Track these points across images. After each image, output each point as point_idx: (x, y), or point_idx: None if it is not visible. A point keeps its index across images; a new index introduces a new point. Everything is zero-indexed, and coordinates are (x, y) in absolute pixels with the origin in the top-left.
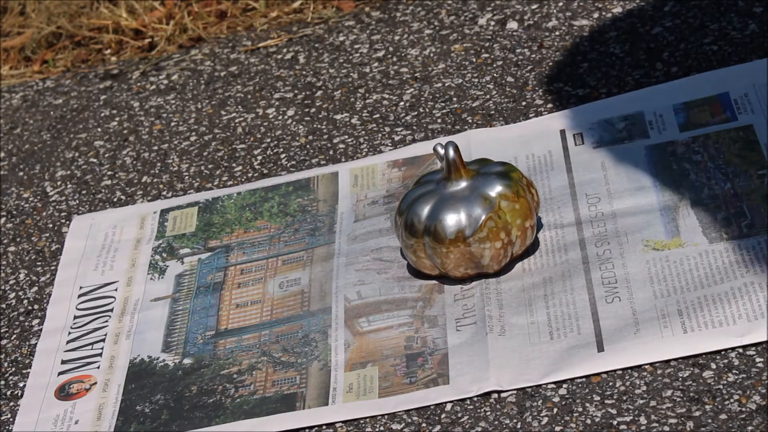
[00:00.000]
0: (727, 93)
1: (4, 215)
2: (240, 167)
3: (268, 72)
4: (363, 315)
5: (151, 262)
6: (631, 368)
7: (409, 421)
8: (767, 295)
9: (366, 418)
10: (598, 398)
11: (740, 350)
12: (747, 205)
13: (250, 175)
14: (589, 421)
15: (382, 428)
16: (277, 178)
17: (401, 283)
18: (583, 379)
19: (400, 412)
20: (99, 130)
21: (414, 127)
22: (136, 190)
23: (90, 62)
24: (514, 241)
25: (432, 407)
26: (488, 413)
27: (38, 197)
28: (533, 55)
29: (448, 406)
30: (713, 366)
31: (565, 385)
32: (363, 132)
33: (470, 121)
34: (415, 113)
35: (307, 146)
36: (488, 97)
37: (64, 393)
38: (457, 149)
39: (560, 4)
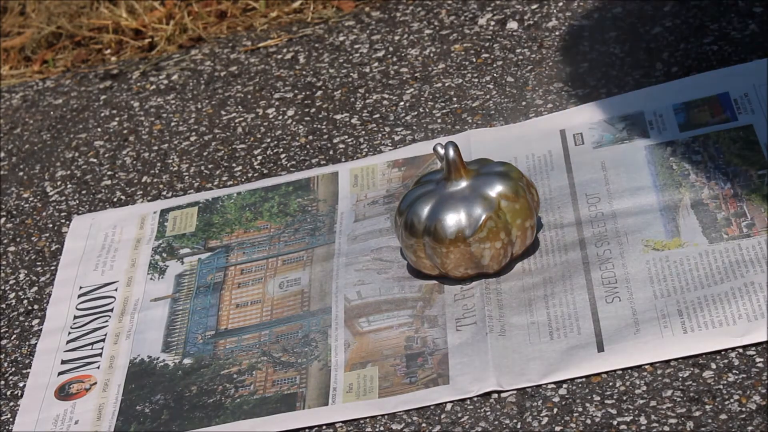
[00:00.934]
0: (727, 93)
1: (4, 215)
2: (240, 167)
3: (268, 72)
4: (363, 315)
5: (151, 262)
6: (631, 368)
7: (409, 421)
8: (767, 295)
9: (366, 418)
10: (598, 398)
11: (740, 350)
12: (747, 205)
13: (250, 175)
14: (589, 421)
15: (382, 428)
16: (277, 178)
17: (401, 283)
18: (583, 379)
19: (400, 412)
20: (99, 130)
21: (414, 127)
22: (136, 190)
23: (90, 62)
24: (514, 241)
25: (432, 407)
26: (488, 413)
27: (38, 197)
28: (533, 55)
29: (448, 406)
30: (713, 366)
31: (565, 385)
32: (363, 132)
33: (470, 121)
34: (415, 113)
35: (307, 146)
36: (488, 97)
37: (64, 393)
38: (457, 149)
39: (560, 4)
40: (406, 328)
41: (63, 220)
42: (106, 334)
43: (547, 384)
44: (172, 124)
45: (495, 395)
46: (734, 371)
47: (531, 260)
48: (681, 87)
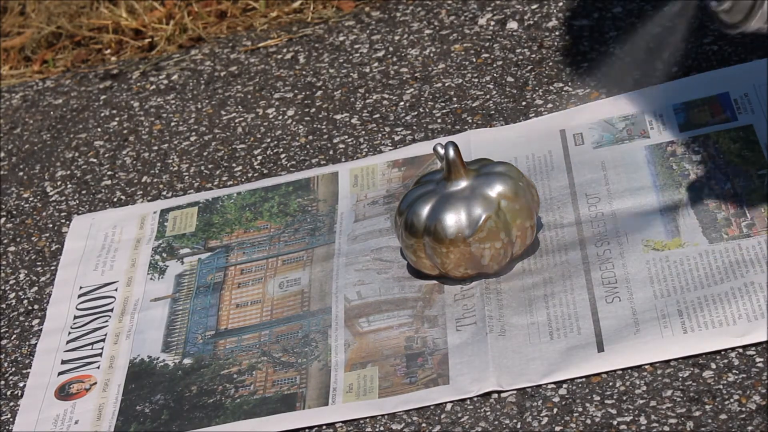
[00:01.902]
0: (727, 93)
1: (4, 215)
2: (240, 167)
3: (268, 72)
4: (363, 315)
5: (151, 262)
6: (631, 368)
7: (409, 421)
8: (767, 295)
9: (366, 418)
10: (598, 398)
11: (740, 350)
12: (747, 205)
13: (250, 175)
14: (589, 421)
15: (382, 428)
16: (277, 178)
17: (401, 283)
18: (583, 379)
19: (400, 412)
20: (99, 130)
21: (414, 127)
22: (136, 190)
23: (90, 62)
24: (514, 241)
25: (432, 407)
26: (488, 413)
27: (38, 197)
28: (533, 55)
29: (448, 406)
30: (713, 366)
31: (565, 385)
32: (363, 132)
33: (470, 121)
34: (415, 113)
35: (307, 146)
36: (488, 97)
37: (64, 393)
38: (457, 149)
39: (560, 4)
40: (406, 328)
41: (63, 220)
42: (106, 334)
43: (547, 384)
44: (172, 124)
45: (495, 395)
46: (734, 371)
47: (531, 260)
48: (681, 87)
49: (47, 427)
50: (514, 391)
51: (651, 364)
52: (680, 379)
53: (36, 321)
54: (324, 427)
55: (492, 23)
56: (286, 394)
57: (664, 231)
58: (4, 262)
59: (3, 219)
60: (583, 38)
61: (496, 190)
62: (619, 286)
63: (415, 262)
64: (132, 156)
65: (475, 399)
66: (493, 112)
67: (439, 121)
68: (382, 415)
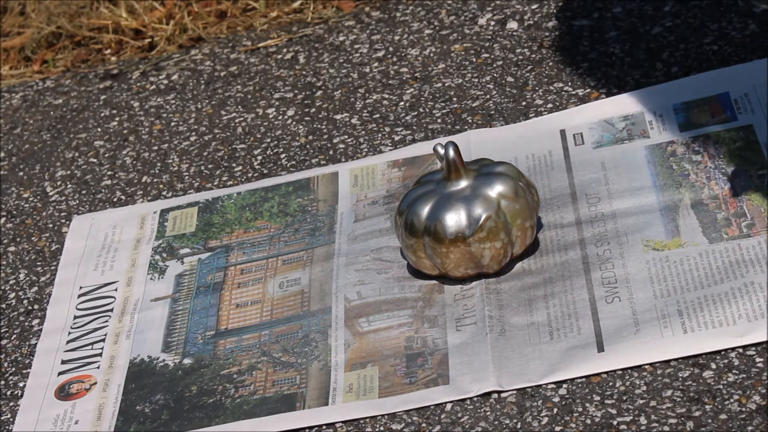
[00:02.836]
0: (727, 93)
1: (4, 215)
2: (240, 167)
3: (268, 72)
4: (363, 315)
5: (151, 262)
6: (631, 368)
7: (409, 421)
8: (767, 295)
9: (366, 418)
10: (598, 398)
11: (740, 350)
12: (747, 205)
13: (250, 175)
14: (589, 421)
15: (382, 428)
16: (277, 178)
17: (401, 283)
18: (583, 379)
19: (400, 412)
20: (99, 130)
21: (414, 127)
22: (136, 190)
23: (90, 62)
24: (514, 241)
25: (432, 407)
26: (488, 413)
27: (38, 197)
28: (533, 55)
29: (448, 406)
30: (713, 366)
31: (565, 385)
32: (363, 132)
33: (470, 121)
34: (415, 113)
35: (307, 146)
36: (488, 97)
37: (64, 393)
38: (457, 149)
39: (560, 4)
40: (406, 328)
41: (63, 220)
42: (106, 334)
43: (547, 384)
44: (172, 124)
45: (495, 395)
46: (734, 371)
47: (531, 260)
48: (681, 87)
49: (47, 427)
50: (514, 391)
51: (651, 364)
52: (680, 379)
53: (36, 321)
54: (324, 427)
55: (492, 23)
56: (286, 394)
57: (664, 231)
58: (4, 262)
59: (3, 219)
60: (583, 38)
61: (496, 190)
62: (619, 286)
63: (415, 262)
64: (132, 156)
65: (475, 399)
66: (493, 112)
67: (439, 121)
68: (382, 415)
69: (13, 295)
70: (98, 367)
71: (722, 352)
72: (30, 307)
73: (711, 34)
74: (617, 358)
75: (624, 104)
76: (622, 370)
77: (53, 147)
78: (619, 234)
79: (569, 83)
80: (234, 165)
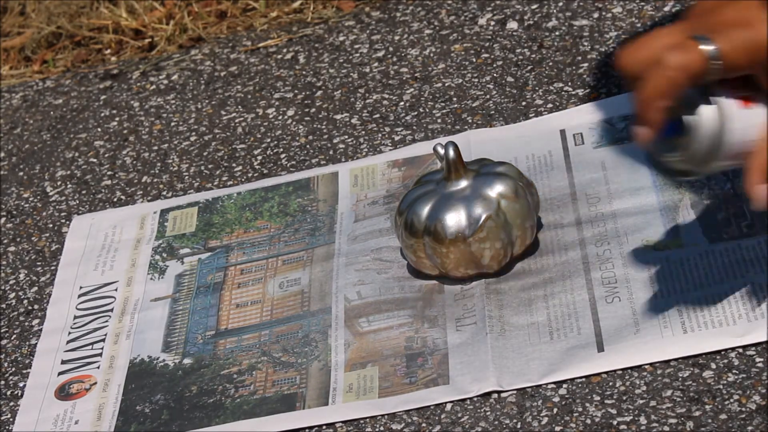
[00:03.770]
0: None
1: (4, 215)
2: (240, 167)
3: (268, 72)
4: (363, 315)
5: (151, 262)
6: (631, 368)
7: (409, 421)
8: (767, 295)
9: (366, 418)
10: (598, 398)
11: (740, 350)
12: (747, 205)
13: (250, 175)
14: (589, 421)
15: (382, 428)
16: (277, 178)
17: (401, 283)
18: (583, 379)
19: (400, 412)
20: (99, 130)
21: (414, 127)
22: (136, 190)
23: (90, 62)
24: (514, 241)
25: (432, 407)
26: (488, 413)
27: (38, 197)
28: (533, 55)
29: (448, 406)
30: (713, 366)
31: (565, 385)
32: (363, 132)
33: (470, 121)
34: (415, 113)
35: (307, 146)
36: (488, 97)
37: (64, 393)
38: (457, 149)
39: (560, 4)
40: (406, 328)
41: (63, 220)
42: (106, 334)
43: (547, 384)
44: (172, 124)
45: (495, 395)
46: (734, 371)
47: (531, 260)
48: None
49: (47, 427)
50: (514, 391)
51: (651, 364)
52: (680, 379)
53: (36, 321)
54: (324, 427)
55: (492, 23)
56: (286, 394)
57: (664, 231)
58: (4, 262)
59: (3, 219)
60: (583, 38)
61: (496, 190)
62: (619, 286)
63: (415, 262)
64: (132, 156)
65: (475, 399)
66: (493, 112)
67: (439, 121)
68: (382, 415)
69: (13, 295)
70: (98, 367)
71: (722, 352)
72: (30, 307)
73: None
74: (617, 358)
75: (624, 104)
76: (622, 370)
77: (53, 147)
78: (619, 234)
79: (569, 83)
80: (234, 165)
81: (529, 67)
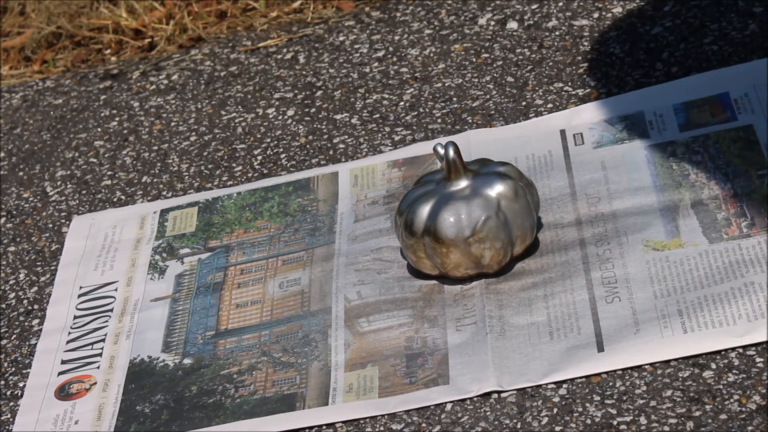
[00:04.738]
0: (727, 93)
1: (4, 215)
2: (240, 167)
3: (268, 72)
4: (363, 315)
5: (151, 262)
6: (631, 368)
7: (409, 421)
8: (767, 295)
9: (366, 418)
10: (598, 398)
11: (740, 350)
12: (747, 205)
13: (250, 175)
14: (589, 421)
15: (382, 428)
16: (277, 178)
17: (401, 283)
18: (583, 379)
19: (400, 412)
20: (99, 130)
21: (414, 127)
22: (136, 190)
23: (90, 62)
24: (514, 241)
25: (432, 407)
26: (488, 413)
27: (38, 197)
28: (533, 55)
29: (448, 406)
30: (713, 366)
31: (565, 385)
32: (363, 132)
33: (470, 121)
34: (415, 113)
35: (307, 146)
36: (488, 97)
37: (64, 393)
38: (457, 149)
39: (560, 4)
40: (406, 328)
41: (63, 220)
42: (106, 334)
43: (547, 384)
44: (172, 124)
45: (495, 395)
46: (734, 371)
47: (531, 260)
48: (681, 87)
49: (47, 427)
50: (514, 391)
51: (651, 364)
52: (680, 379)
53: (36, 321)
54: (324, 427)
55: (492, 23)
56: (286, 394)
57: (664, 231)
58: (4, 262)
59: (3, 219)
60: (583, 38)
61: (496, 190)
62: (619, 286)
63: (415, 262)
64: (132, 156)
65: (475, 399)
66: (493, 112)
67: (439, 121)
68: (382, 415)
69: (13, 295)
70: (98, 367)
71: (722, 352)
72: (30, 307)
73: (711, 34)
74: (617, 358)
75: (624, 104)
76: (622, 370)
77: (53, 147)
78: (619, 234)
79: (569, 83)
80: (234, 165)
81: (529, 67)
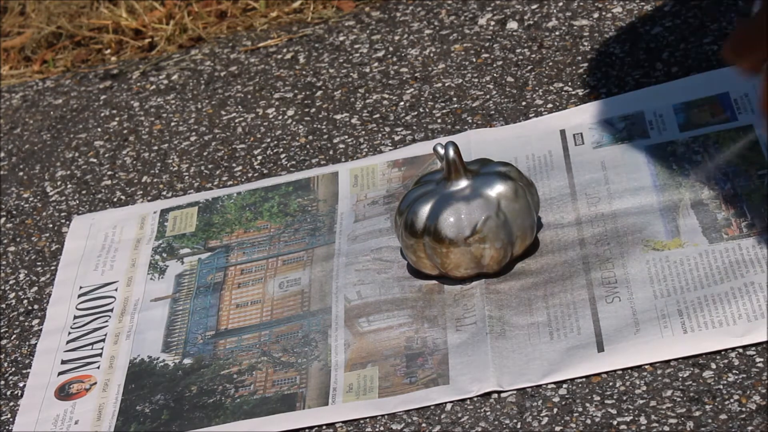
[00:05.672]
0: (727, 93)
1: (4, 215)
2: (240, 167)
3: (268, 72)
4: (363, 315)
5: (151, 262)
6: (631, 368)
7: (409, 421)
8: (767, 295)
9: (366, 418)
10: (598, 398)
11: (740, 350)
12: (747, 205)
13: (250, 175)
14: (589, 421)
15: (382, 428)
16: (277, 178)
17: (401, 283)
18: (583, 379)
19: (400, 412)
20: (99, 130)
21: (414, 127)
22: (136, 190)
23: (90, 62)
24: (514, 241)
25: (432, 407)
26: (488, 413)
27: (38, 197)
28: (533, 55)
29: (448, 406)
30: (713, 366)
31: (565, 385)
32: (363, 132)
33: (470, 121)
34: (415, 113)
35: (307, 146)
36: (488, 97)
37: (64, 393)
38: (457, 149)
39: (560, 4)
40: (406, 328)
41: (63, 220)
42: (106, 334)
43: (547, 384)
44: (172, 124)
45: (495, 395)
46: (734, 371)
47: (531, 260)
48: (681, 87)
49: (47, 427)
50: (514, 391)
51: (651, 364)
52: (680, 379)
53: (36, 321)
54: (324, 427)
55: (492, 23)
56: (286, 394)
57: (664, 231)
58: (4, 262)
59: (3, 219)
60: (583, 38)
61: (496, 190)
62: (619, 286)
63: (415, 262)
64: (132, 156)
65: (475, 399)
66: (493, 112)
67: (439, 121)
68: (382, 415)
69: (13, 295)
70: (98, 367)
71: (722, 352)
72: (30, 307)
73: (711, 34)
74: (617, 358)
75: (624, 104)
76: (622, 370)
77: (53, 147)
78: (619, 234)
79: (569, 83)
80: (234, 165)
81: (529, 67)
